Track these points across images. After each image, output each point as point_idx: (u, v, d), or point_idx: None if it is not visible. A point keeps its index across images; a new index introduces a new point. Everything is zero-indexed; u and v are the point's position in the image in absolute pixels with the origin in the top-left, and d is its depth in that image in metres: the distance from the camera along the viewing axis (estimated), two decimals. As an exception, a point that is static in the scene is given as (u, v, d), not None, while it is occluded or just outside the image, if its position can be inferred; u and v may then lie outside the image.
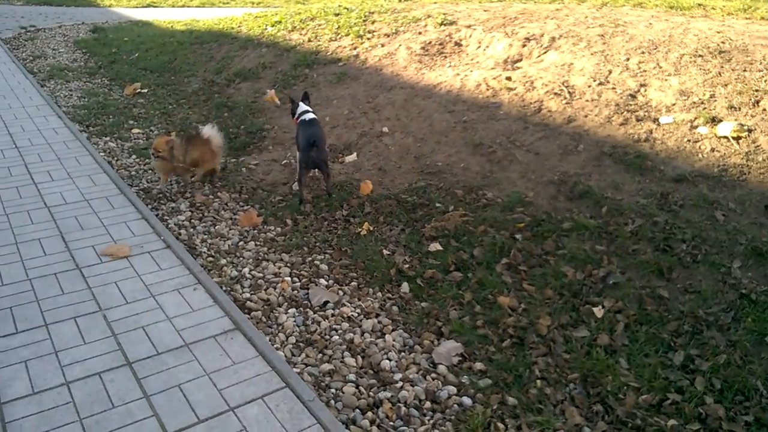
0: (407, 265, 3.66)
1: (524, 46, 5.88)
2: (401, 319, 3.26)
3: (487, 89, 5.35)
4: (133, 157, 5.48)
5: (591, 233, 3.60)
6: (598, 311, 3.04)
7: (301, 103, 4.68)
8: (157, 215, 4.32)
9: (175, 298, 3.28)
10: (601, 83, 4.95)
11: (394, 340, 3.08)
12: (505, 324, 3.08)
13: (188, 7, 17.19)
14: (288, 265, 3.77)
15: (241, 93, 7.03)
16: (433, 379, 2.81)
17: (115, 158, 5.43)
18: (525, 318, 3.11)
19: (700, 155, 4.01)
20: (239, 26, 9.64)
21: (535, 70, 5.42)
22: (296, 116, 4.65)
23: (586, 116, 4.65)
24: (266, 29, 8.77)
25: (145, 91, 7.66)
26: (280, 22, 8.84)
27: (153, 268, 3.56)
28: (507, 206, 4.01)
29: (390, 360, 2.93)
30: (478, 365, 2.88)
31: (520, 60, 5.77)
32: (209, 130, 4.71)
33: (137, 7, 16.78)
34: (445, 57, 6.29)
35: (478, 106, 5.19)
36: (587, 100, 4.81)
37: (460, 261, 3.62)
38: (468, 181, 4.40)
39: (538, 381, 2.73)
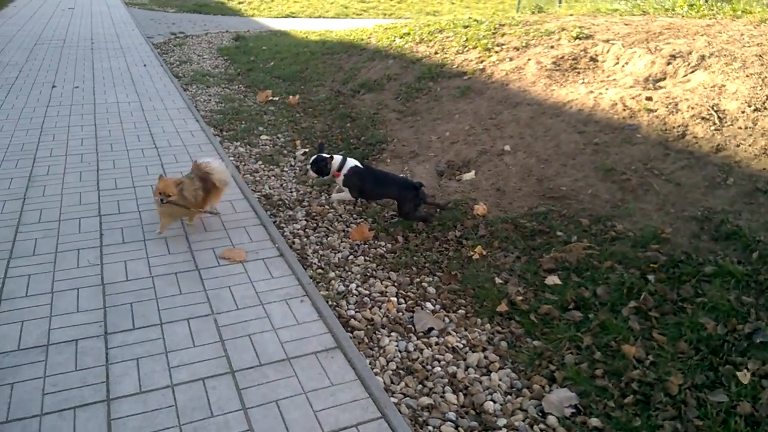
0: (521, 297, 3.42)
1: (669, 63, 5.37)
2: (510, 357, 3.03)
3: (624, 109, 4.94)
4: (259, 162, 5.69)
5: (737, 281, 3.14)
6: (742, 376, 2.62)
7: (335, 156, 4.46)
8: (274, 222, 4.42)
9: (283, 308, 3.30)
10: (757, 109, 4.37)
11: (500, 380, 2.87)
12: (628, 377, 2.75)
13: (324, 18, 17.85)
14: (395, 284, 3.68)
15: (364, 104, 7.09)
16: (541, 431, 2.56)
17: (243, 163, 5.67)
18: (653, 373, 2.75)
19: None
20: (369, 37, 9.80)
21: (680, 90, 4.92)
22: (337, 168, 4.43)
23: (737, 146, 4.13)
24: (394, 41, 8.82)
25: (276, 99, 7.98)
26: (409, 33, 8.85)
27: (265, 276, 3.62)
28: (639, 241, 3.63)
29: (494, 402, 2.72)
30: (594, 421, 2.58)
31: (663, 79, 5.28)
32: (218, 167, 4.16)
33: (277, 17, 17.69)
34: (578, 73, 5.91)
35: (612, 127, 4.80)
36: (740, 128, 4.27)
37: (580, 299, 3.32)
38: (595, 210, 4.06)
39: (664, 449, 2.40)
